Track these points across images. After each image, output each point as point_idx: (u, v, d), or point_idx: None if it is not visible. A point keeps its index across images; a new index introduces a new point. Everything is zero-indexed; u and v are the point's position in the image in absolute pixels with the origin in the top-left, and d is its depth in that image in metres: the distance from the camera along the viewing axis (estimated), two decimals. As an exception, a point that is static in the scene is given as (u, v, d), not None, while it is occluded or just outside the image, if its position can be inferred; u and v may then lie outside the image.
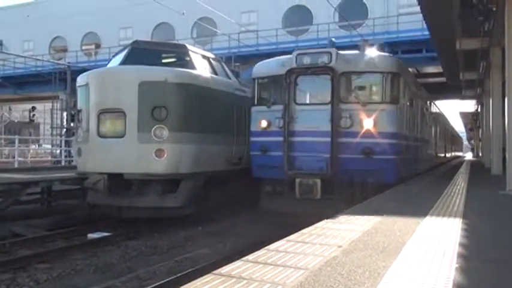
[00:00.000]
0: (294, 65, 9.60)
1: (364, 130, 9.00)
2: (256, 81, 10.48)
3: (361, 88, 9.63)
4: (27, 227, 10.11)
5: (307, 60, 9.57)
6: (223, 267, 3.33)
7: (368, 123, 8.98)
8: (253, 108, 10.43)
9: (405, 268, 3.35)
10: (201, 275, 3.18)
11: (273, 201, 9.87)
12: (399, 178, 9.71)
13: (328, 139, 9.08)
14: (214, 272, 3.23)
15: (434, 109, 17.89)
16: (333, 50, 9.51)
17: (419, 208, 6.28)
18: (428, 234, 4.59)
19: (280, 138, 9.51)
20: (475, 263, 3.61)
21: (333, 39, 11.11)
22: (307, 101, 10.02)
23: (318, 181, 9.12)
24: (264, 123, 9.96)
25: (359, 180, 8.98)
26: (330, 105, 9.17)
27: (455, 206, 6.67)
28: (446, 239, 4.36)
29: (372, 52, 10.01)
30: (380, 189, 8.48)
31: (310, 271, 3.27)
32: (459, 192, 8.68)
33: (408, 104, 10.76)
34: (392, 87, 9.38)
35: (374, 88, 9.71)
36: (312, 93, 10.08)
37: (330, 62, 9.33)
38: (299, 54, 9.73)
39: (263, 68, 10.58)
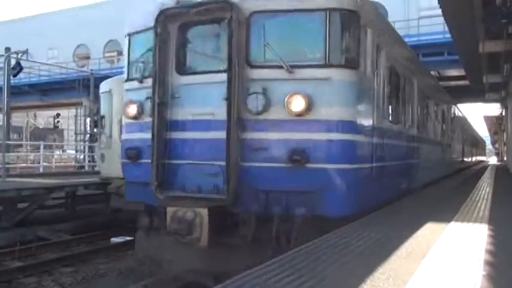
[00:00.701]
0: (172, 5, 5.71)
1: (290, 117, 5.18)
2: (128, 40, 6.46)
3: (287, 41, 5.48)
4: (52, 231, 10.32)
5: None
6: (246, 272, 3.35)
7: (298, 104, 5.13)
8: (124, 85, 6.51)
9: (430, 274, 3.31)
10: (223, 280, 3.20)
11: (149, 242, 5.91)
12: (358, 206, 5.58)
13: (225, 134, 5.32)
14: (240, 275, 3.25)
15: (446, 103, 15.12)
16: None
17: (445, 213, 6.20)
18: (454, 239, 4.53)
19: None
20: (502, 270, 3.54)
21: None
22: (197, 69, 5.89)
23: (204, 212, 5.12)
24: (132, 109, 6.11)
25: (281, 212, 5.13)
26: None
27: (481, 211, 6.55)
28: (473, 245, 4.29)
29: None
30: (321, 227, 4.96)
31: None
32: (484, 197, 8.51)
33: (385, 76, 6.66)
34: (347, 37, 5.37)
35: (309, 40, 5.49)
36: (206, 53, 5.96)
37: None
38: None
39: (136, 17, 6.43)
